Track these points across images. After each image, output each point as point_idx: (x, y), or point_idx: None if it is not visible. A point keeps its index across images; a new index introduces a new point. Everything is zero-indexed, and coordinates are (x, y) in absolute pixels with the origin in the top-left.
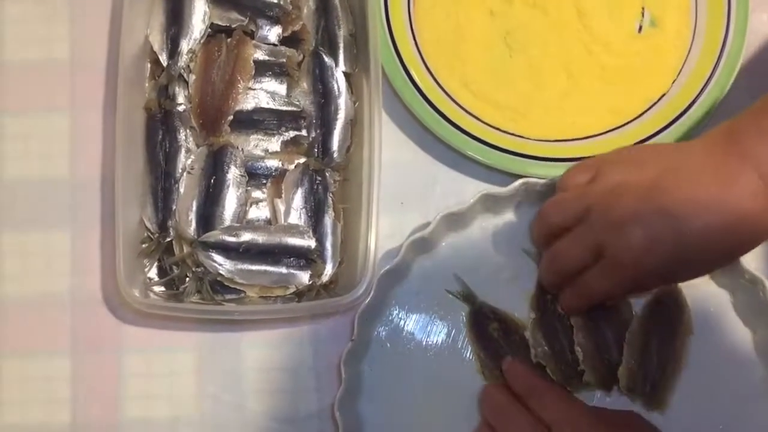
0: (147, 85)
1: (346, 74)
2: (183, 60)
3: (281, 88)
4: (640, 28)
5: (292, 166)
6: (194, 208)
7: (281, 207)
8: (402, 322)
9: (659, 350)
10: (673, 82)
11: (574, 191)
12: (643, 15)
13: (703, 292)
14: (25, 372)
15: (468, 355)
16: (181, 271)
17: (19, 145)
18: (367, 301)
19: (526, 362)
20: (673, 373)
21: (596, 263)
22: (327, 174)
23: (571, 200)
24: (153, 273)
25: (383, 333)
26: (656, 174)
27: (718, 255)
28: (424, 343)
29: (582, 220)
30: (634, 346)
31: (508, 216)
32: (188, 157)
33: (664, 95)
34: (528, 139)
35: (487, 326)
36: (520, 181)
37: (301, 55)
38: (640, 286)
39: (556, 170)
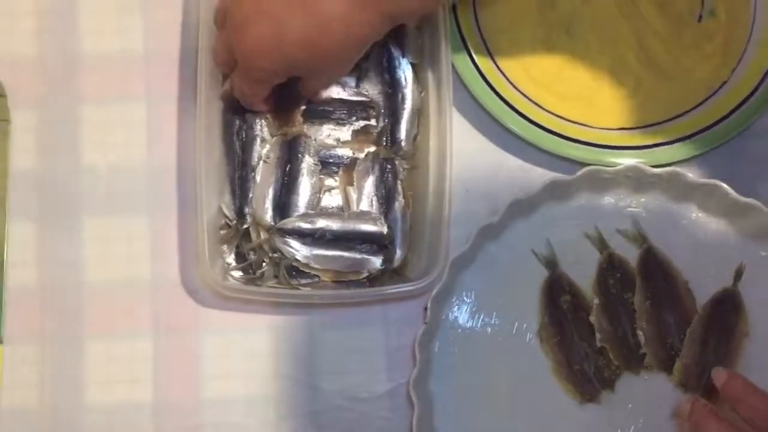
0: (221, 76)
1: (412, 65)
2: None
3: (350, 79)
4: (700, 17)
5: (362, 155)
6: (270, 195)
7: (353, 194)
8: (469, 305)
9: (716, 349)
10: (733, 71)
11: None
12: (702, 4)
13: (762, 293)
14: (109, 353)
15: (530, 338)
16: (259, 256)
17: (97, 133)
18: (439, 287)
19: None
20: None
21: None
22: (396, 162)
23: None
24: (231, 259)
25: (452, 315)
26: None
27: (323, 54)
28: (489, 325)
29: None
30: (692, 343)
31: (573, 202)
32: (263, 146)
33: (724, 83)
34: (592, 127)
35: (559, 296)
36: (586, 168)
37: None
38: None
39: (621, 158)
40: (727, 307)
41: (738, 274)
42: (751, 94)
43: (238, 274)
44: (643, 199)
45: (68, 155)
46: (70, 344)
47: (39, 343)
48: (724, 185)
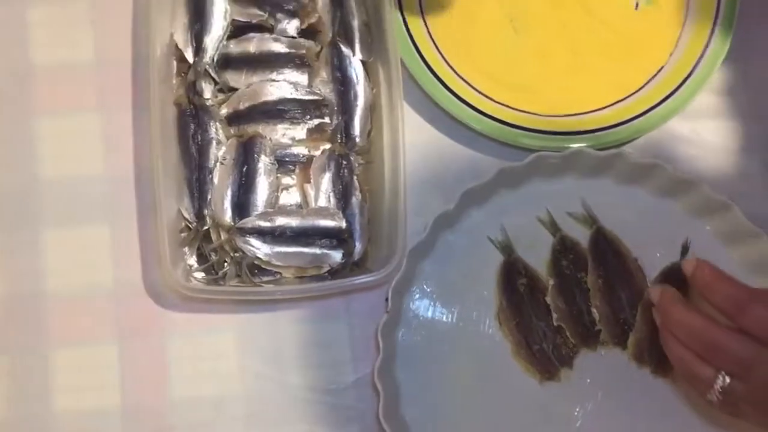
0: (174, 81)
1: (362, 62)
2: (208, 56)
3: (303, 79)
4: (637, 5)
5: (318, 152)
6: (229, 196)
7: (311, 191)
8: (429, 293)
9: None
10: (671, 55)
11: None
12: None
13: (706, 249)
14: (75, 361)
15: (489, 321)
16: (220, 256)
17: (53, 145)
18: (398, 276)
19: (548, 321)
20: None
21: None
22: (351, 158)
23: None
24: (192, 260)
25: (413, 304)
26: None
27: None
28: (449, 311)
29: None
30: (644, 318)
31: (524, 189)
32: (219, 148)
33: (662, 68)
34: (538, 115)
35: (516, 279)
36: (534, 155)
37: (320, 46)
38: None
39: (568, 143)
40: (676, 281)
41: (684, 249)
42: (688, 76)
43: (200, 275)
44: (591, 182)
45: (25, 168)
46: (36, 354)
47: (5, 354)
48: (666, 165)
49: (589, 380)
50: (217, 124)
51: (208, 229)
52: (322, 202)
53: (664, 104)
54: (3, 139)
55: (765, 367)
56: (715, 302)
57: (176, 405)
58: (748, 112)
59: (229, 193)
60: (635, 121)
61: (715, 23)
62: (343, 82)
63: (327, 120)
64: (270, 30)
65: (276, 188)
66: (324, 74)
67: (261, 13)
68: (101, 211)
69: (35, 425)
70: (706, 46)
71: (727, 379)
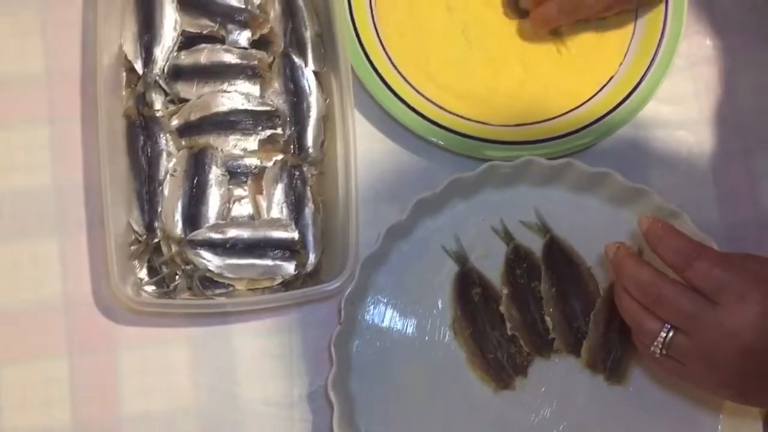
0: (124, 93)
1: (315, 73)
2: (158, 67)
3: (255, 90)
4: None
5: (270, 163)
6: (179, 208)
7: (263, 202)
8: (383, 304)
9: (620, 329)
10: (620, 65)
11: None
12: None
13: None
14: (23, 377)
15: (444, 331)
16: (171, 269)
17: (1, 157)
18: (351, 287)
19: (502, 330)
20: (632, 350)
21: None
22: (304, 168)
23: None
24: (143, 274)
25: (367, 315)
26: None
27: None
28: (404, 322)
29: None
30: (597, 325)
31: (477, 198)
32: (170, 160)
33: (612, 77)
34: (490, 125)
35: (470, 289)
36: (486, 164)
37: (272, 57)
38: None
39: (518, 152)
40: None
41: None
42: (638, 85)
43: (151, 288)
44: (543, 191)
45: None
46: None
47: None
48: (616, 173)
49: (543, 388)
50: (168, 135)
51: (158, 242)
52: (275, 213)
53: (614, 113)
54: None
55: (708, 321)
56: (664, 256)
57: (127, 420)
58: (697, 120)
59: (179, 205)
60: (586, 130)
61: (662, 34)
62: (295, 93)
63: (279, 131)
64: (221, 41)
65: (228, 200)
66: (276, 85)
67: (212, 23)
68: (50, 224)
69: None
70: (654, 56)
71: (671, 333)
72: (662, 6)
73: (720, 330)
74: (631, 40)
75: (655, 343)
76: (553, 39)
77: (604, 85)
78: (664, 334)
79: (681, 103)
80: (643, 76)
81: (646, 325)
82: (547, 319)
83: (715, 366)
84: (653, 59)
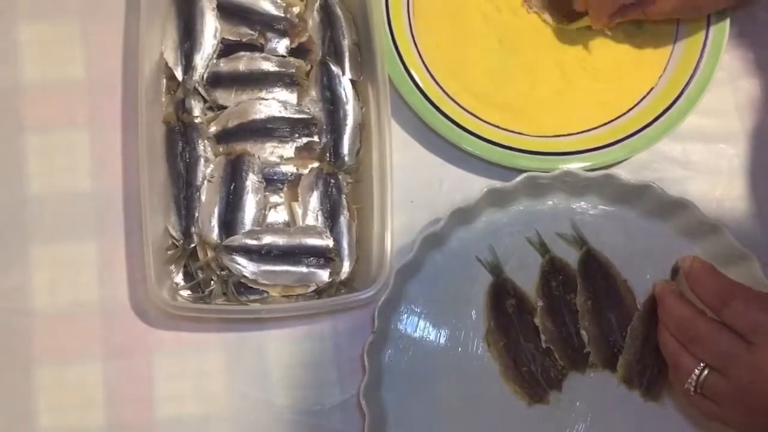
0: (163, 99)
1: (352, 81)
2: (197, 74)
3: (292, 97)
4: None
5: (306, 171)
6: (216, 214)
7: (298, 210)
8: (417, 314)
9: (657, 346)
10: (660, 77)
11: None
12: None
13: None
14: (59, 379)
15: (478, 342)
16: (206, 275)
17: (42, 161)
18: (385, 295)
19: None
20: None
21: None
22: (340, 177)
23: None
24: (179, 278)
25: (400, 324)
26: None
27: None
28: (437, 332)
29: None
30: (634, 340)
31: (513, 209)
32: (207, 166)
33: (652, 89)
34: (527, 135)
35: (505, 300)
36: (523, 175)
37: (309, 65)
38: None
39: (555, 163)
40: None
41: (675, 271)
42: (678, 98)
43: (186, 293)
44: (580, 203)
45: (13, 184)
46: (20, 372)
47: None
48: (656, 185)
49: (578, 403)
50: (206, 141)
51: (194, 247)
52: (310, 220)
53: (653, 126)
54: None
55: (743, 361)
56: (701, 295)
57: (161, 424)
58: (737, 133)
59: (216, 210)
60: (625, 142)
61: (704, 46)
62: (332, 101)
63: (315, 139)
64: (260, 49)
65: (263, 206)
66: (313, 93)
67: (251, 32)
68: (89, 228)
69: None
70: (696, 69)
71: (706, 371)
72: (704, 19)
73: (755, 371)
74: (672, 52)
75: (690, 381)
76: (593, 50)
77: (644, 97)
78: (698, 372)
79: (722, 116)
80: (684, 89)
81: (681, 361)
82: (583, 332)
83: (750, 409)
84: (694, 71)
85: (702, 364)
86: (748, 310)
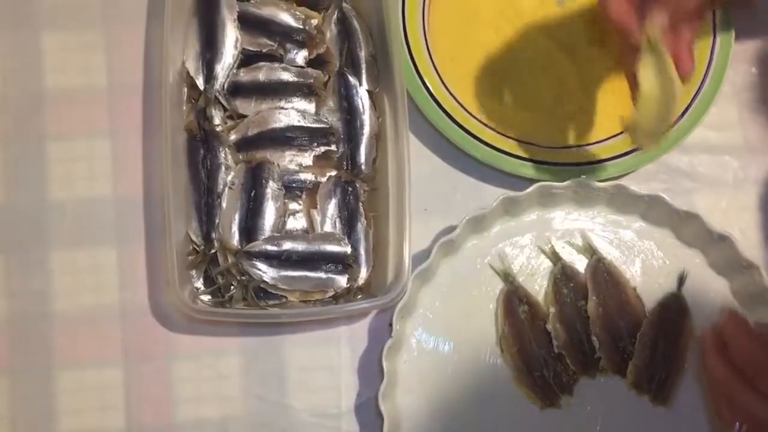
0: (185, 108)
1: (368, 92)
2: (218, 84)
3: (310, 107)
4: None
5: (324, 179)
6: (237, 220)
7: (317, 217)
8: (431, 319)
9: (665, 350)
10: None
11: None
12: None
13: (703, 296)
14: (79, 382)
15: (491, 347)
16: (227, 280)
17: (63, 168)
18: (403, 301)
19: (548, 348)
20: (677, 372)
21: None
22: (357, 184)
23: None
24: (199, 283)
25: (417, 330)
26: None
27: None
28: (451, 337)
29: None
30: (643, 346)
31: (525, 218)
32: (228, 173)
33: None
34: (538, 146)
35: (517, 307)
36: (536, 185)
37: (327, 76)
38: None
39: (566, 174)
40: (673, 311)
41: (681, 280)
42: (685, 111)
43: (206, 298)
44: (590, 212)
45: (35, 190)
46: (41, 375)
47: (9, 375)
48: (665, 196)
49: (589, 407)
50: (226, 149)
51: (215, 253)
52: (328, 227)
53: None
54: (14, 160)
55: None
56: (737, 358)
57: (180, 427)
58: (742, 146)
59: (237, 217)
60: (633, 154)
61: (710, 62)
62: (349, 111)
63: (333, 147)
64: (279, 59)
65: (283, 213)
66: (331, 103)
67: (271, 43)
68: (109, 233)
69: None
70: (702, 83)
71: (744, 428)
72: (710, 35)
73: None
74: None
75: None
76: (601, 63)
77: None
78: (737, 428)
79: (727, 129)
80: (691, 102)
81: (723, 414)
82: (594, 338)
83: None
84: (701, 86)
85: (739, 424)
86: None
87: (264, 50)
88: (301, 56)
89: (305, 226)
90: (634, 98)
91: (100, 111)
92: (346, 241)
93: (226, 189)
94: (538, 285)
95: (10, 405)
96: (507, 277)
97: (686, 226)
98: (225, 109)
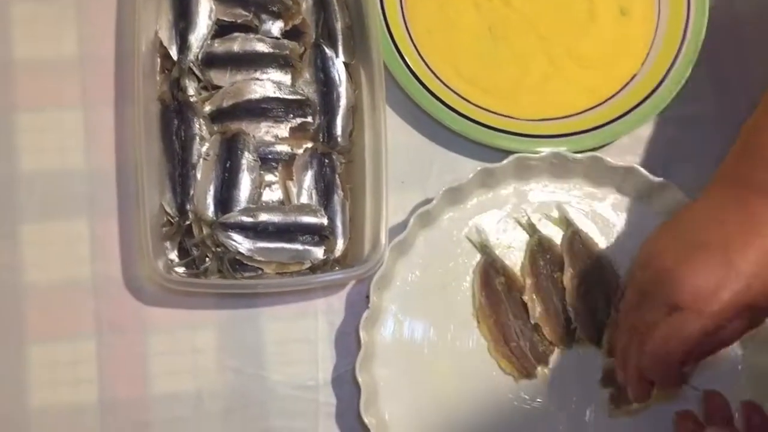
0: (158, 78)
1: (345, 64)
2: (192, 54)
3: (286, 79)
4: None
5: (300, 151)
6: (212, 191)
7: (293, 188)
8: (407, 291)
9: None
10: (642, 64)
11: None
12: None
13: None
14: (51, 356)
15: (467, 319)
16: (202, 251)
17: (34, 139)
18: (380, 272)
19: (525, 319)
20: None
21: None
22: (333, 156)
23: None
24: (174, 255)
25: (394, 301)
26: (682, 231)
27: None
28: (428, 308)
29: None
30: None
31: (502, 190)
32: (203, 144)
33: (635, 76)
34: (515, 118)
35: (494, 278)
36: (513, 156)
37: (303, 48)
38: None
39: (542, 146)
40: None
41: None
42: (659, 84)
43: (181, 270)
44: (566, 185)
45: (3, 162)
46: (11, 349)
47: None
48: (640, 168)
49: (566, 377)
50: (201, 120)
51: (190, 224)
52: (305, 199)
53: (635, 111)
54: None
55: None
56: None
57: (155, 400)
58: (717, 118)
59: (212, 188)
60: (607, 127)
61: (685, 33)
62: (325, 83)
63: (309, 119)
64: (254, 30)
65: (259, 185)
66: (307, 75)
67: (246, 13)
68: (81, 205)
69: (9, 421)
70: (677, 56)
71: None
72: (684, 5)
73: None
74: (653, 40)
75: None
76: (579, 38)
77: (627, 83)
78: None
79: (702, 101)
80: (665, 75)
81: None
82: (570, 309)
83: None
84: (675, 59)
85: None
86: None
87: (239, 21)
88: (276, 27)
89: (281, 197)
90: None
91: (71, 81)
92: (323, 212)
93: (201, 160)
94: (514, 257)
95: None
96: (484, 249)
97: (662, 196)
98: (199, 80)
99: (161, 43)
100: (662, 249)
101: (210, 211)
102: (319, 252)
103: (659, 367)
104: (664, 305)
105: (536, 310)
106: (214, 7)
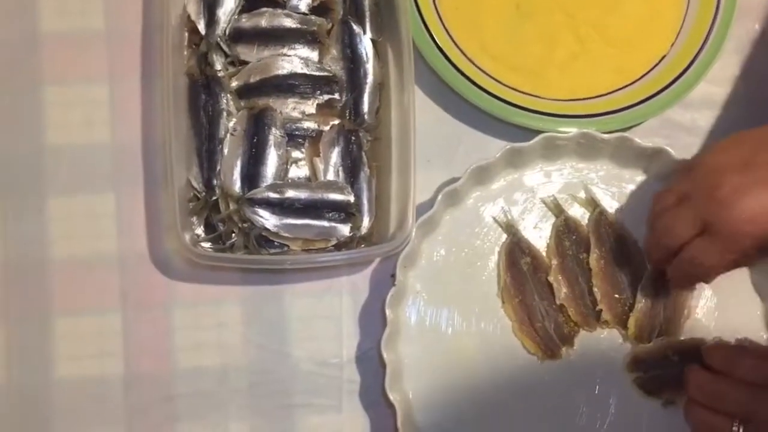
0: (185, 52)
1: (372, 41)
2: (220, 29)
3: (313, 55)
4: None
5: (327, 127)
6: (239, 167)
7: (320, 165)
8: (434, 269)
9: (666, 303)
10: (672, 45)
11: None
12: None
13: None
14: (77, 329)
15: (493, 299)
16: (228, 227)
17: (60, 113)
18: (406, 250)
19: (550, 300)
20: (678, 325)
21: (701, 237)
22: (360, 133)
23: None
24: (200, 230)
25: (419, 280)
26: (750, 151)
27: None
28: (453, 287)
29: (683, 201)
30: (645, 298)
31: (529, 171)
32: (230, 119)
33: (664, 57)
34: (542, 98)
35: (520, 259)
36: (541, 135)
37: (330, 24)
38: (742, 257)
39: (569, 125)
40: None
41: None
42: (689, 66)
43: (207, 245)
44: (593, 166)
45: (31, 135)
46: (38, 321)
47: (5, 322)
48: (669, 149)
49: (589, 359)
50: (228, 95)
51: (216, 200)
52: (331, 176)
53: (665, 92)
54: (11, 106)
55: (765, 405)
56: (715, 366)
57: (179, 375)
58: (745, 102)
59: (239, 163)
60: (636, 108)
61: (715, 15)
62: (353, 60)
63: (336, 96)
64: (282, 6)
65: (285, 161)
66: (334, 51)
67: None
68: (107, 179)
69: (35, 392)
70: (707, 38)
71: (741, 429)
72: None
73: None
74: (683, 22)
75: None
76: (608, 18)
77: (656, 65)
78: (735, 429)
79: (731, 84)
80: (694, 58)
81: (715, 423)
82: (595, 290)
83: None
84: (705, 41)
85: (736, 422)
86: (757, 365)
87: None
88: (304, 3)
89: (308, 174)
90: None
91: (98, 55)
92: (349, 189)
93: (228, 135)
94: (540, 237)
95: (7, 351)
96: (510, 229)
97: None
98: (226, 55)
99: (189, 17)
100: (724, 163)
101: (237, 186)
102: (345, 229)
103: (683, 281)
104: (698, 218)
105: (561, 291)
106: None
